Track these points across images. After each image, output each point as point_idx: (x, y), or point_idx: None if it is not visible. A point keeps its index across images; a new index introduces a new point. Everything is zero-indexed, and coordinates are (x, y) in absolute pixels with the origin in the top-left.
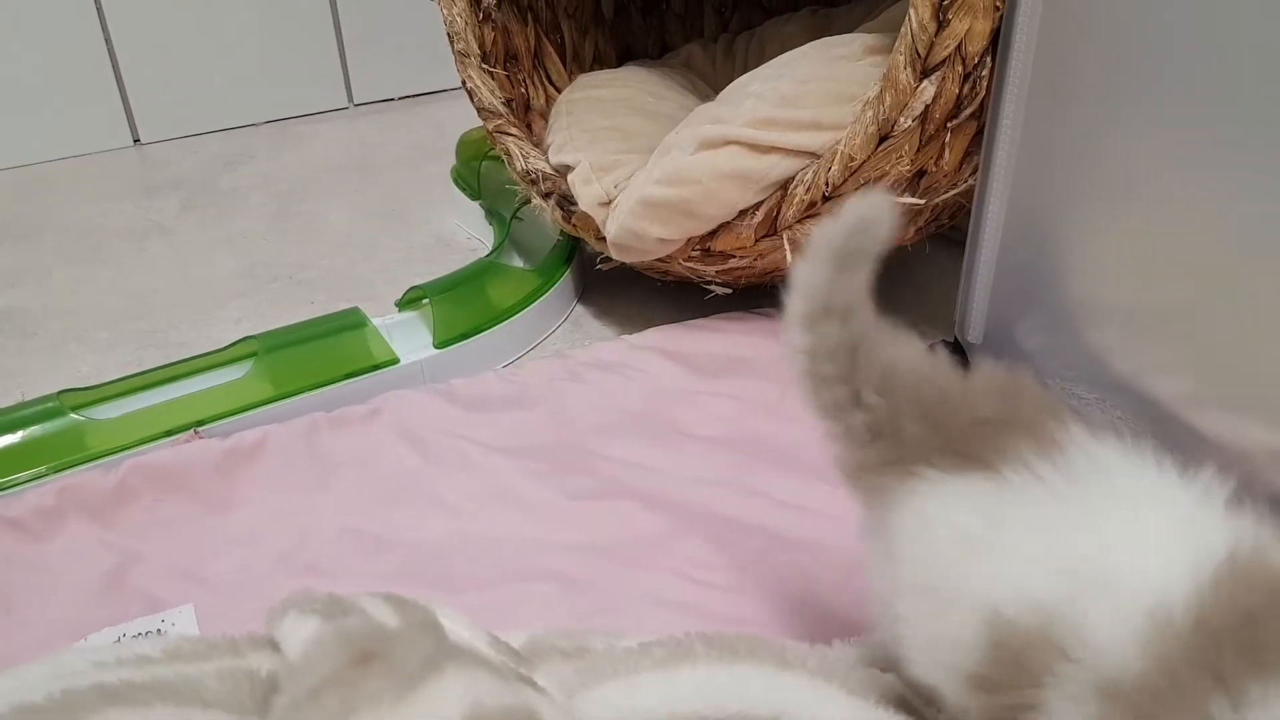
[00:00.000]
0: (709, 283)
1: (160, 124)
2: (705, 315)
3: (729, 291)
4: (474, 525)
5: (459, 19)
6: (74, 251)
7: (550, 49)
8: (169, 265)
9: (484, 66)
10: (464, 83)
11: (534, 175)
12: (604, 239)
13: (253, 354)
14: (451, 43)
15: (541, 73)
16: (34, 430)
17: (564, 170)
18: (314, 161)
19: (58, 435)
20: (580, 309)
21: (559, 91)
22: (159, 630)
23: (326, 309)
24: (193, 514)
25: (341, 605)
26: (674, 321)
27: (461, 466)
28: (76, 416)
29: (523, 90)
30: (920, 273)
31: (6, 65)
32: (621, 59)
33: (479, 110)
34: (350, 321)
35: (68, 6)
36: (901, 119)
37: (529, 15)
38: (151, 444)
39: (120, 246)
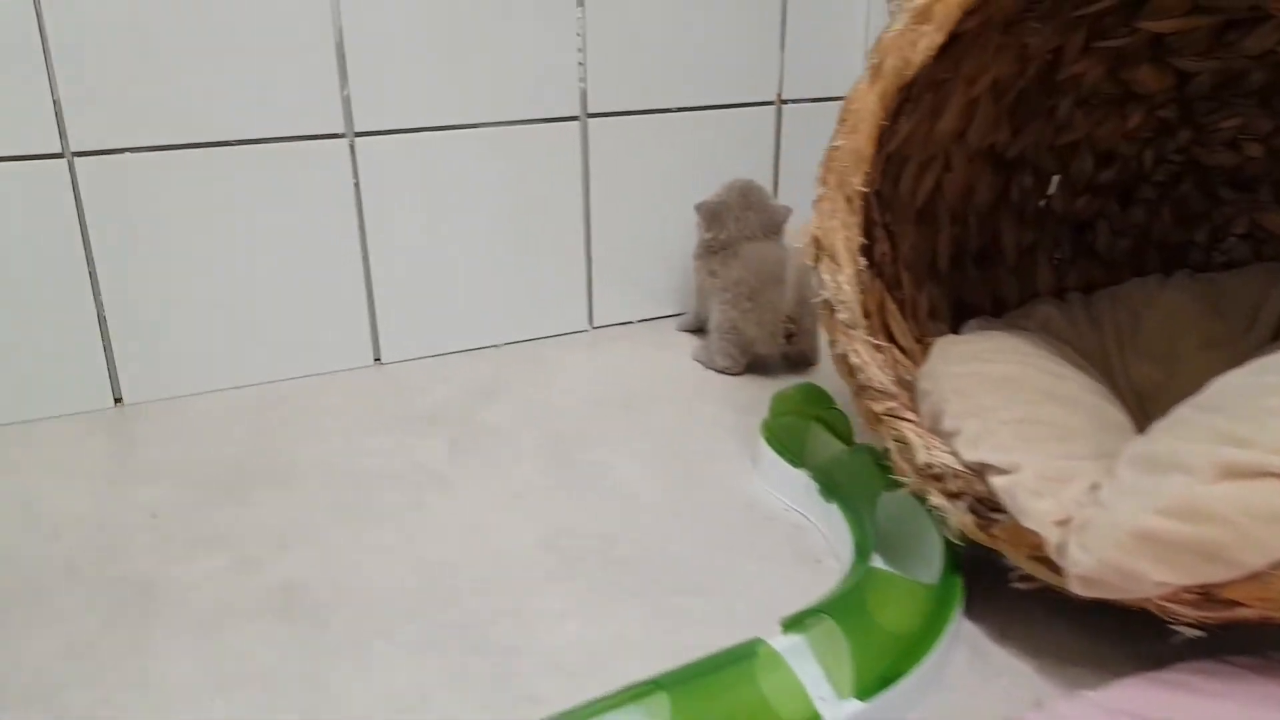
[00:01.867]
0: (1174, 621)
1: (402, 344)
2: (1141, 650)
3: (1201, 634)
4: None
5: (846, 286)
6: (344, 503)
7: (893, 305)
8: (457, 528)
9: (870, 339)
10: (846, 357)
11: (939, 471)
12: (1042, 559)
13: (654, 691)
14: (832, 311)
15: (884, 332)
16: None
17: (981, 469)
18: (573, 393)
19: None
20: (971, 629)
21: (901, 351)
22: None
23: (657, 604)
24: None
25: None
26: (1096, 654)
27: None
28: None
29: None
30: None
31: (258, 280)
32: (955, 313)
33: (862, 388)
34: (755, 659)
35: (332, 224)
36: None
37: (874, 271)
38: None
39: (396, 499)
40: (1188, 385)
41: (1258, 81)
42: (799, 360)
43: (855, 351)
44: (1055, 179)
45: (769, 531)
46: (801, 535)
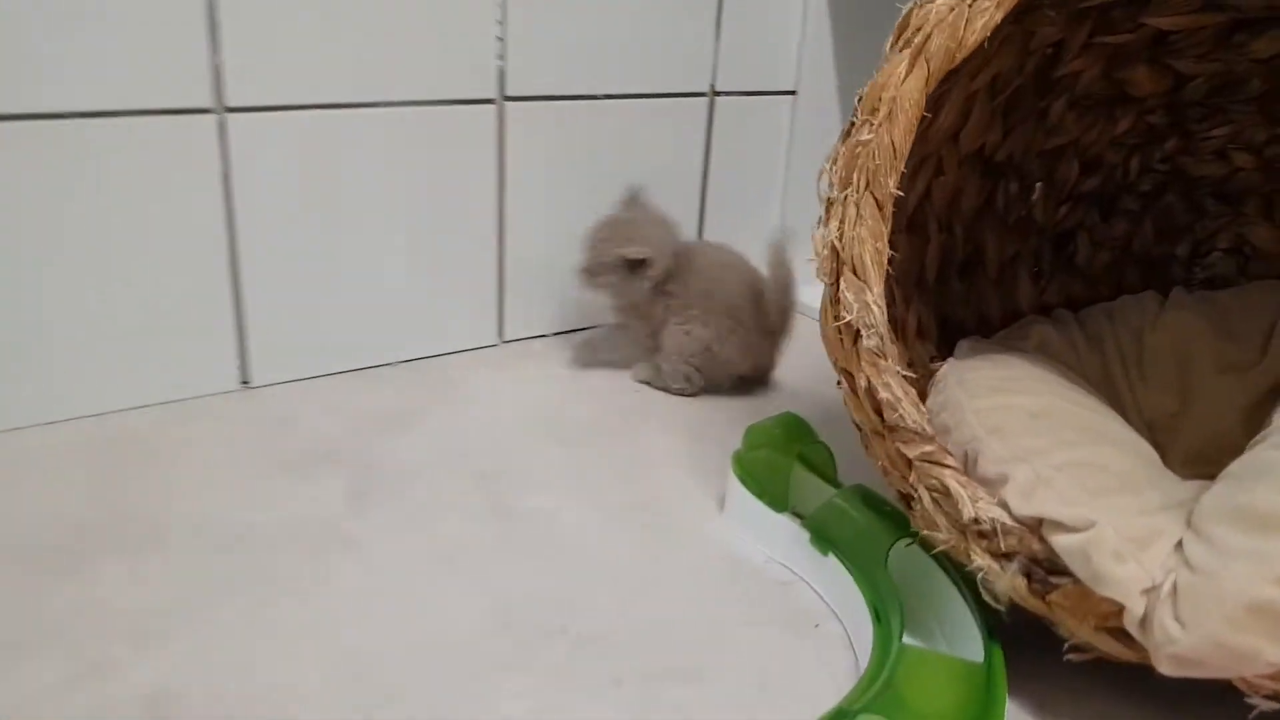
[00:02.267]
0: (1251, 693)
1: (276, 362)
2: None
3: (1277, 706)
4: None
5: (875, 307)
6: (222, 574)
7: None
8: (375, 604)
9: (903, 371)
10: (873, 391)
11: (988, 528)
12: (1111, 630)
13: None
14: (854, 338)
15: None
16: None
17: (1038, 525)
18: (492, 422)
19: None
20: (1011, 703)
21: None
22: None
23: (645, 695)
24: None
25: None
26: None
27: None
28: None
29: None
30: None
31: (96, 284)
32: (942, 330)
33: (890, 429)
34: None
35: (193, 217)
36: None
37: None
38: None
39: (296, 569)
40: (1204, 415)
41: (1257, 88)
42: (756, 379)
43: (886, 385)
44: (1039, 186)
45: (754, 590)
46: (792, 593)
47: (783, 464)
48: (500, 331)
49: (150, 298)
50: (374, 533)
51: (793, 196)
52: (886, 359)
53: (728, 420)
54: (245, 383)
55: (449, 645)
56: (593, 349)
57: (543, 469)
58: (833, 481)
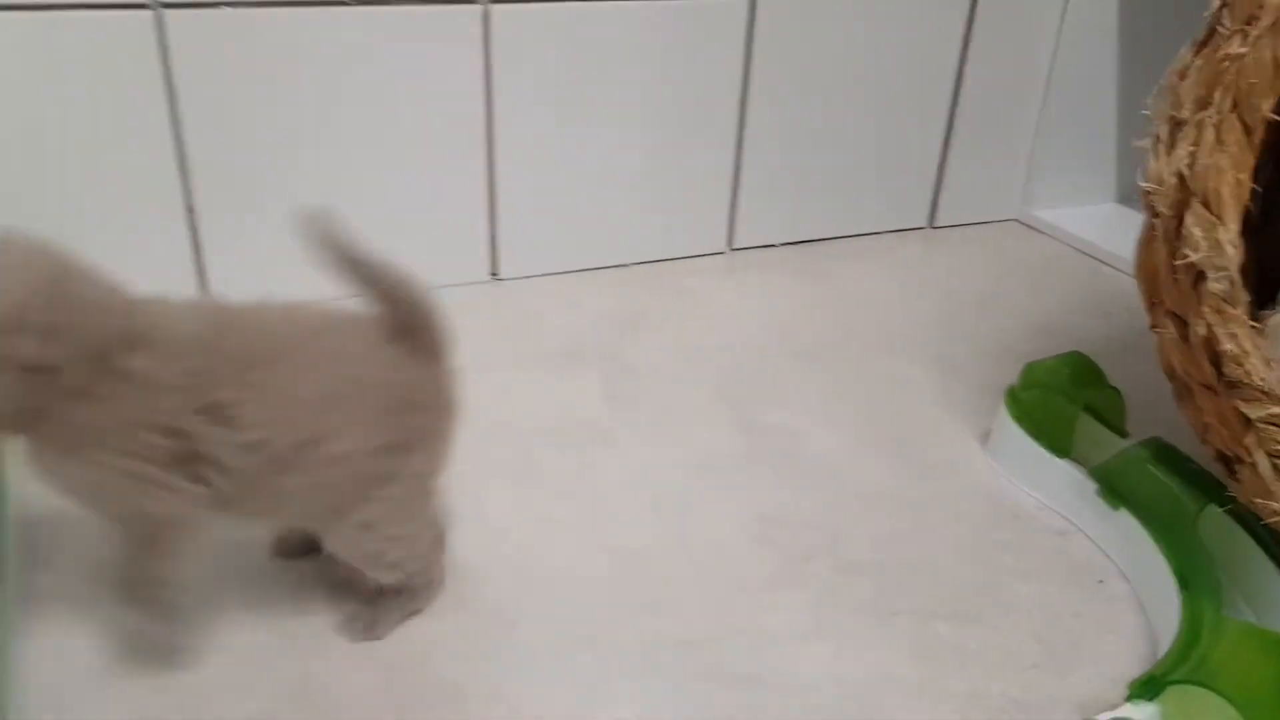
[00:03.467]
0: None
1: (522, 258)
2: None
3: None
4: None
5: (1230, 248)
6: (494, 459)
7: None
8: (641, 504)
9: (1252, 323)
10: (1213, 341)
11: None
12: None
13: None
14: (1196, 281)
15: None
16: None
17: None
18: (725, 332)
19: None
20: None
21: None
22: None
23: (919, 632)
24: None
25: None
26: None
27: None
28: None
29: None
30: None
31: (356, 170)
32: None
33: (1231, 385)
34: None
35: (452, 107)
36: None
37: None
38: None
39: (555, 457)
40: None
41: None
42: None
43: (1232, 336)
44: None
45: (1027, 537)
46: (1069, 545)
47: (1067, 408)
48: (730, 239)
49: (409, 187)
50: (628, 433)
51: (1053, 104)
52: (1235, 307)
53: (982, 353)
54: (494, 275)
55: (718, 556)
56: None
57: (781, 384)
58: (1120, 431)
